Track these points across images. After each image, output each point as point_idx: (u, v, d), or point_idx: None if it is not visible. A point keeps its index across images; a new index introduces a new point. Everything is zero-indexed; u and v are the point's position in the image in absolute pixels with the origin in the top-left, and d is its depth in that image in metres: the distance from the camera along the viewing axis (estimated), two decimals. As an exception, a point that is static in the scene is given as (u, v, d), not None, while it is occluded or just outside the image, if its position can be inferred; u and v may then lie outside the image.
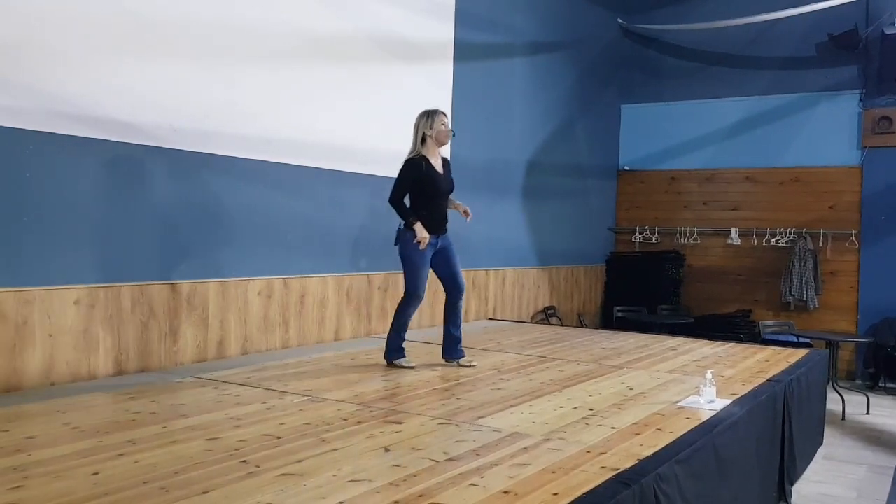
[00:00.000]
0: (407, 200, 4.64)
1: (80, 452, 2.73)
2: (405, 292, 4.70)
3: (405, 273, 4.68)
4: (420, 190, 4.60)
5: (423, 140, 4.61)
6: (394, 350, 4.72)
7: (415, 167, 4.57)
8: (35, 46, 3.80)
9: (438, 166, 4.66)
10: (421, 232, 4.53)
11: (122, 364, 4.24)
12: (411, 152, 4.64)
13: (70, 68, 3.96)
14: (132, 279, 4.28)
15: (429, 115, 4.63)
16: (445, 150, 4.84)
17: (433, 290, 6.58)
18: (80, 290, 4.02)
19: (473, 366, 4.72)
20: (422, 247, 4.56)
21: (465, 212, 4.82)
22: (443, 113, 4.67)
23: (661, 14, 9.62)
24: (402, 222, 4.61)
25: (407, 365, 4.67)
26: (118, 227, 4.22)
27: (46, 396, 3.61)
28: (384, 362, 4.75)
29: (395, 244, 4.66)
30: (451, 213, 4.80)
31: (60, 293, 3.93)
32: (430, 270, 4.76)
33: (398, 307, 4.74)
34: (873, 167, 8.50)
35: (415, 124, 4.66)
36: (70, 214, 3.97)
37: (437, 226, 4.65)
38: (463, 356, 4.79)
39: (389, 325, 4.78)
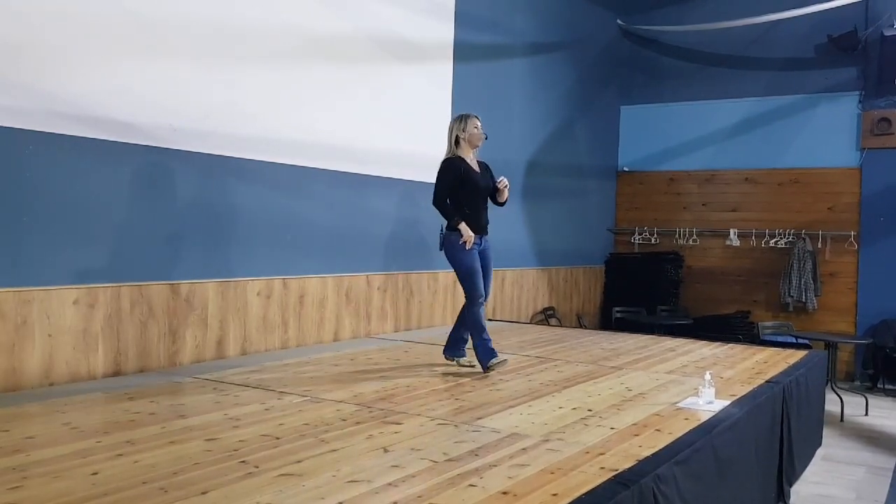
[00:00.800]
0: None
1: (79, 452, 2.73)
2: (467, 297, 4.64)
3: (460, 277, 4.65)
4: (459, 190, 4.60)
5: (457, 142, 4.65)
6: (485, 354, 4.60)
7: (453, 166, 4.60)
8: (35, 46, 3.80)
9: (475, 168, 4.69)
10: (466, 232, 4.53)
11: (121, 364, 4.24)
12: (446, 155, 4.68)
13: (70, 68, 3.96)
14: (131, 279, 4.28)
15: (462, 119, 4.68)
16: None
17: (434, 290, 6.60)
18: (79, 289, 4.02)
19: (473, 366, 4.72)
20: (468, 246, 4.55)
21: (501, 180, 4.70)
22: (476, 116, 4.70)
23: (660, 15, 9.63)
24: (444, 226, 4.61)
25: (501, 361, 4.56)
26: (118, 227, 4.21)
27: (45, 396, 3.61)
28: (384, 363, 4.74)
29: (441, 249, 4.64)
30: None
31: (59, 293, 3.93)
32: (450, 270, 4.75)
33: (468, 315, 4.62)
34: (872, 169, 8.51)
35: (448, 127, 4.71)
36: (69, 214, 3.97)
37: (478, 226, 4.64)
38: (465, 356, 4.79)
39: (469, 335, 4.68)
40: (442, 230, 4.63)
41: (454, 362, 4.76)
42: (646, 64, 9.89)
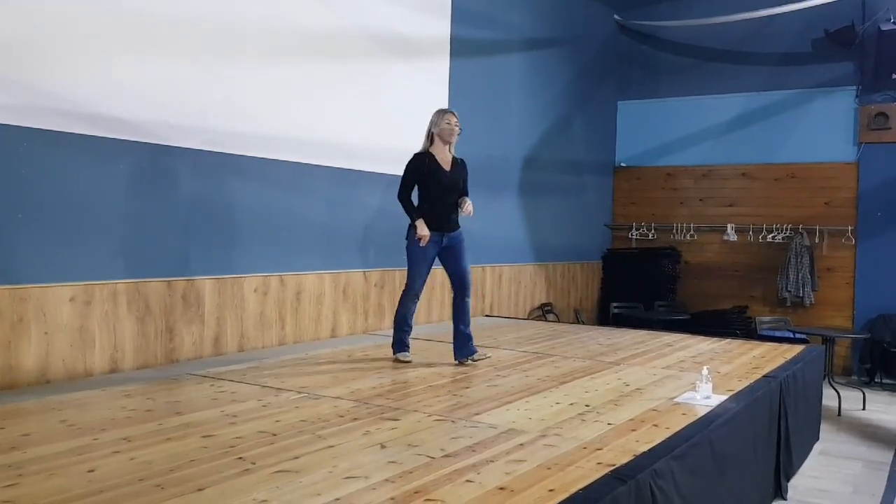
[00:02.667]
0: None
1: (75, 450, 2.73)
2: (404, 287, 4.79)
3: (407, 268, 4.74)
4: (422, 185, 4.67)
5: (431, 138, 4.70)
6: (395, 343, 4.79)
7: (416, 161, 4.67)
8: (32, 44, 3.78)
9: (445, 164, 4.71)
10: (421, 230, 4.57)
11: (118, 361, 4.23)
12: (420, 150, 4.74)
13: (67, 66, 3.94)
14: (128, 276, 4.27)
15: (438, 114, 4.74)
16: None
17: (436, 286, 6.59)
18: (75, 287, 4.01)
19: (488, 357, 4.76)
20: (422, 244, 4.59)
21: (466, 207, 4.70)
22: (451, 113, 4.75)
23: (657, 10, 9.62)
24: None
25: (404, 359, 4.70)
26: (114, 225, 4.20)
27: (42, 394, 3.60)
28: (381, 359, 4.75)
29: (406, 239, 4.73)
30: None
31: (55, 290, 3.92)
32: (441, 268, 4.81)
33: (398, 302, 4.83)
34: (869, 163, 8.51)
35: (429, 122, 4.76)
36: (65, 212, 3.96)
37: (440, 223, 4.66)
38: (475, 352, 4.73)
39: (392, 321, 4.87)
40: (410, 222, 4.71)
41: (468, 362, 4.69)
42: (643, 59, 9.88)
